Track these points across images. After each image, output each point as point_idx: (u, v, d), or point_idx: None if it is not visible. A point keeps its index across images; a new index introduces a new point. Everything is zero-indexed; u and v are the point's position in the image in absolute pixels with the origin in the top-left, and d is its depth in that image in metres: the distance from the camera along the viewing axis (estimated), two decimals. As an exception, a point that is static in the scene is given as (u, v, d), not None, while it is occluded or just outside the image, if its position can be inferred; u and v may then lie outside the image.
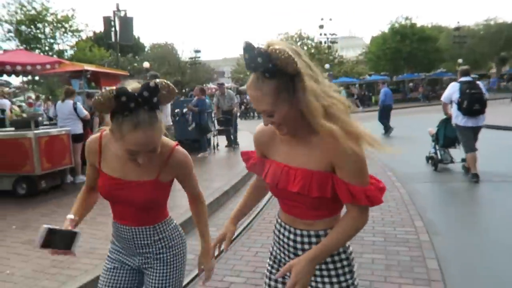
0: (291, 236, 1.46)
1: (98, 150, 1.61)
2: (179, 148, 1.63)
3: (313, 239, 1.42)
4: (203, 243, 1.81)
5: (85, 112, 7.20)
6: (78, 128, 7.00)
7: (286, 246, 1.48)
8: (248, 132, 14.56)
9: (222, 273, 3.50)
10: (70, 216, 1.61)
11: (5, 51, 12.02)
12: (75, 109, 7.07)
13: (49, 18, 20.12)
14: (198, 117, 9.50)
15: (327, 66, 32.14)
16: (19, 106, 8.62)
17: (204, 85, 29.23)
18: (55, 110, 7.25)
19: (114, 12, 11.79)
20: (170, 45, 41.59)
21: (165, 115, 7.28)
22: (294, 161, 1.38)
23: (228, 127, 10.58)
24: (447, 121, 6.83)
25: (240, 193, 6.32)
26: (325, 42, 38.72)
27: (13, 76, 8.69)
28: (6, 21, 20.89)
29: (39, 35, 19.91)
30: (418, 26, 36.16)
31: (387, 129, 12.63)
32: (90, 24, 25.93)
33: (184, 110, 9.78)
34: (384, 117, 12.79)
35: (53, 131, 6.59)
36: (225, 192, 5.99)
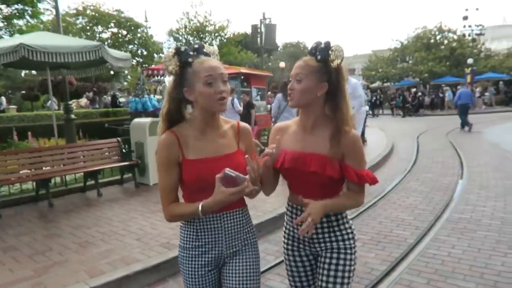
0: None
1: (177, 141, 1.61)
2: (242, 122, 1.83)
3: (324, 218, 1.73)
4: None
5: (239, 107, 8.91)
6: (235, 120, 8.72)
7: (299, 224, 1.66)
8: (377, 129, 14.99)
9: (352, 231, 4.51)
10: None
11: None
12: (232, 104, 8.82)
13: (209, 29, 23.78)
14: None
15: (470, 60, 29.57)
16: None
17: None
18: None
19: (260, 20, 13.61)
20: (302, 43, 43.25)
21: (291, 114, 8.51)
22: (307, 148, 1.69)
23: None
24: None
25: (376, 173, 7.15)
26: (469, 35, 35.42)
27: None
28: (177, 33, 25.35)
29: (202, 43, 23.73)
30: None
31: (465, 125, 14.32)
32: (241, 30, 29.14)
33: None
34: (462, 114, 14.50)
35: (218, 121, 8.40)
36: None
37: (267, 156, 1.64)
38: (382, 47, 50.42)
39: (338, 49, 1.62)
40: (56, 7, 7.77)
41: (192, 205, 1.56)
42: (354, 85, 7.76)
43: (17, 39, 5.85)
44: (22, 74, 30.50)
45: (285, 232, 1.89)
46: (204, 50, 1.65)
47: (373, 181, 1.69)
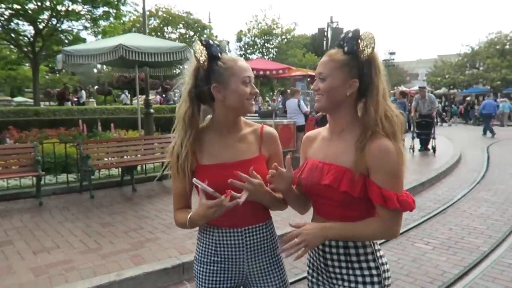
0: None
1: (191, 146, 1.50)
2: (268, 126, 1.63)
3: (341, 250, 1.40)
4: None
5: (305, 108, 9.13)
6: (301, 120, 8.98)
7: (317, 249, 1.47)
8: (444, 137, 14.45)
9: (420, 236, 4.59)
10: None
11: (248, 59, 15.43)
12: (298, 105, 9.07)
13: (277, 31, 24.43)
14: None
15: (550, 69, 27.34)
16: (267, 101, 11.39)
17: (395, 87, 29.06)
18: (285, 105, 9.43)
19: (327, 23, 13.76)
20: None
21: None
22: (329, 157, 1.41)
23: (429, 131, 10.60)
24: None
25: (435, 187, 7.08)
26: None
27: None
28: (245, 35, 26.28)
29: (268, 45, 24.48)
30: None
31: (489, 131, 16.31)
32: (307, 33, 29.42)
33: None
34: (486, 123, 16.86)
35: (284, 121, 8.71)
36: (421, 184, 6.87)
37: (274, 177, 1.40)
38: (448, 52, 48.14)
39: (368, 36, 1.34)
40: (143, 11, 8.50)
41: (186, 214, 1.45)
42: None
43: (116, 40, 6.54)
44: (95, 71, 33.08)
45: (308, 260, 1.58)
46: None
47: (406, 207, 1.30)
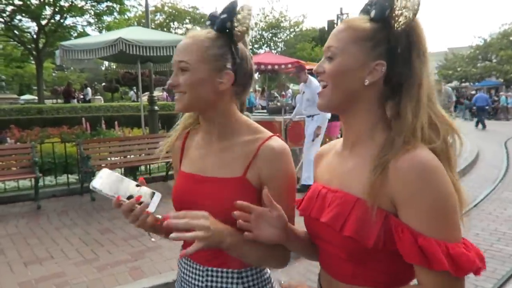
0: None
1: (182, 146, 1.22)
2: (278, 139, 1.10)
3: None
4: None
5: (317, 104, 8.74)
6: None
7: None
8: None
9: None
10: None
11: (255, 54, 15.10)
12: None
13: (284, 24, 24.05)
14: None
15: None
16: (275, 97, 11.04)
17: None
18: (295, 101, 9.05)
19: (337, 15, 13.32)
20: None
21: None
22: (336, 180, 0.95)
23: None
24: None
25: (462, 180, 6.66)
26: None
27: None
28: (252, 29, 25.91)
29: (275, 39, 24.15)
30: None
31: (478, 124, 17.13)
32: (316, 26, 28.88)
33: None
34: (479, 116, 17.54)
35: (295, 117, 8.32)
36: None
37: None
38: (459, 44, 47.18)
39: None
40: (146, 4, 8.18)
41: None
42: (315, 89, 6.15)
43: (115, 34, 6.22)
44: (103, 68, 33.03)
45: None
46: (223, 16, 1.08)
47: (463, 267, 0.76)
